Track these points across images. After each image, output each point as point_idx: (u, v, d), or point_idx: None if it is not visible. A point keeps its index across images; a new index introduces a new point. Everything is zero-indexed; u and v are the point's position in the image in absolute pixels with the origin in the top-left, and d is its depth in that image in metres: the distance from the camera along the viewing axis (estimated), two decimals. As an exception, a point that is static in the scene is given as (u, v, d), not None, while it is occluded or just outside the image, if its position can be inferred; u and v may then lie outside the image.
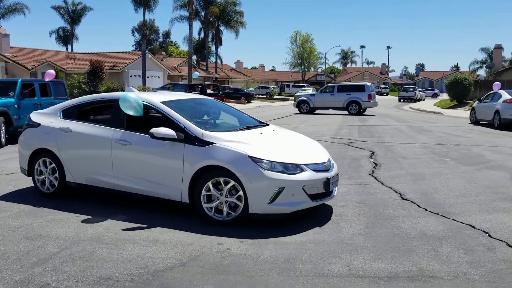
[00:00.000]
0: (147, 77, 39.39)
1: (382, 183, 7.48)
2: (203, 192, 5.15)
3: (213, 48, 64.09)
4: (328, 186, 5.32)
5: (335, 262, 4.14)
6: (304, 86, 61.41)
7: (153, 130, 5.27)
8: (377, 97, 30.17)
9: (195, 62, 58.61)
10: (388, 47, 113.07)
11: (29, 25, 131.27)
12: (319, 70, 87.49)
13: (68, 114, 6.41)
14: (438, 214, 5.69)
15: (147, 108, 5.85)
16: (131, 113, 5.60)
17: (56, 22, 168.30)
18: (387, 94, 73.73)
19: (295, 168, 5.11)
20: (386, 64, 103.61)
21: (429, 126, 18.47)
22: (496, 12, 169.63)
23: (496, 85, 21.36)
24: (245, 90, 46.57)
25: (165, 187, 5.43)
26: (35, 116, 6.74)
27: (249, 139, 5.43)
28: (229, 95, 40.44)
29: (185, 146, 5.27)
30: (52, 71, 14.45)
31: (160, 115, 5.79)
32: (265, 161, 4.99)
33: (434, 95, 65.17)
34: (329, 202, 6.11)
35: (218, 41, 60.92)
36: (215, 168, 5.10)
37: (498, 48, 52.59)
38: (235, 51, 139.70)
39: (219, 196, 5.12)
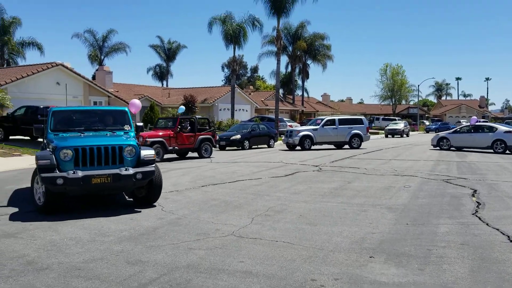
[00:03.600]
0: (236, 110, 40.69)
1: (487, 224, 6.88)
2: None
3: (299, 82, 64.87)
4: None
5: (440, 309, 3.82)
6: (395, 119, 59.52)
7: None
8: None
9: (282, 96, 59.55)
10: (487, 79, 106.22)
11: (129, 62, 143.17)
12: (411, 102, 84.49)
13: None
14: (558, 261, 5.07)
15: None
16: None
17: (153, 59, 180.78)
18: (486, 128, 68.97)
19: None
20: (485, 96, 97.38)
21: (537, 163, 16.84)
22: None
23: (473, 119, 29.15)
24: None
25: None
26: None
27: None
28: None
29: None
30: (136, 101, 15.33)
31: None
32: None
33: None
34: (429, 242, 5.77)
35: (305, 75, 61.59)
36: None
37: None
38: (322, 84, 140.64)
39: None
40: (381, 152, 22.22)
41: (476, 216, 7.47)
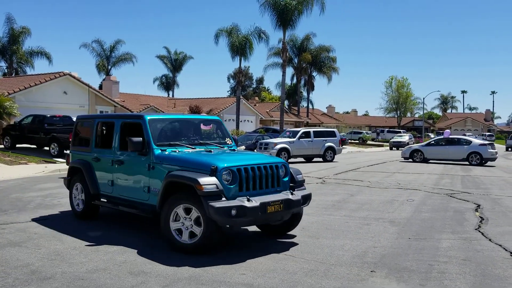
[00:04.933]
0: (241, 121, 40.82)
1: (490, 240, 6.88)
2: None
3: (305, 94, 64.94)
4: None
5: (440, 325, 3.83)
6: (400, 132, 59.46)
7: None
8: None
9: (287, 107, 59.66)
10: (493, 92, 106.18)
11: (136, 72, 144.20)
12: (416, 115, 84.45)
13: None
14: (560, 279, 5.07)
15: None
16: None
17: (160, 70, 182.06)
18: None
19: None
20: (491, 110, 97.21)
21: (542, 178, 16.78)
22: None
23: (446, 132, 30.66)
24: (336, 135, 46.18)
25: None
26: None
27: None
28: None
29: None
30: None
31: None
32: None
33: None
34: (430, 257, 5.79)
35: (310, 87, 61.69)
36: None
37: None
38: (327, 96, 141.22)
39: None
40: (385, 165, 22.20)
41: (479, 231, 7.47)
